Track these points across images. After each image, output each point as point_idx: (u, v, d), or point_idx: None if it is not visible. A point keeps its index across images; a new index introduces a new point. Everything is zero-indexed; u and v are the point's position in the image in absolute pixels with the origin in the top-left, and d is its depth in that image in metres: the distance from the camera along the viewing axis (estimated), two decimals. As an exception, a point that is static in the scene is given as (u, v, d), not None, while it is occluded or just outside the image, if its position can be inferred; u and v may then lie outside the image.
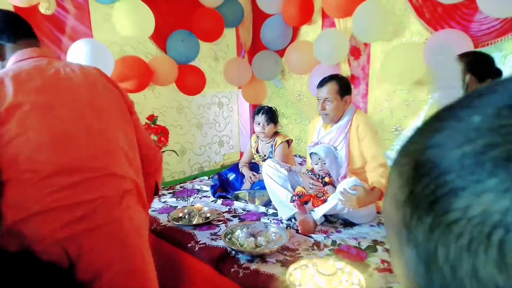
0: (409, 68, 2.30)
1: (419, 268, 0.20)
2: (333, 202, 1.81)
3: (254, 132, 2.72)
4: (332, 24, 2.85)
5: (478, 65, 1.56)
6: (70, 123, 0.99)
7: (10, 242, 0.83)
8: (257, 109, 2.59)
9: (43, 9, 2.05)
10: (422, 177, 0.20)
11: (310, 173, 2.05)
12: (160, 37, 2.70)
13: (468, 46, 2.07)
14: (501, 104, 0.18)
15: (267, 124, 2.51)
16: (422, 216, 0.19)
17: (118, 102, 1.15)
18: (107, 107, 1.10)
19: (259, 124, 2.52)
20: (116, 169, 1.02)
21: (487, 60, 1.62)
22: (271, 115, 2.53)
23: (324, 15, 2.91)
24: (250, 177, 2.55)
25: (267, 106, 2.62)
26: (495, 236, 0.16)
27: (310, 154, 2.07)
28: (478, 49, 2.07)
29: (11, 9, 2.02)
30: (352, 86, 2.87)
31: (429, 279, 0.20)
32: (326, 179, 2.00)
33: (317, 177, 2.02)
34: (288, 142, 2.57)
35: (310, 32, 3.05)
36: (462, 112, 0.20)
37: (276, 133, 2.60)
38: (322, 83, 2.02)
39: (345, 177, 1.98)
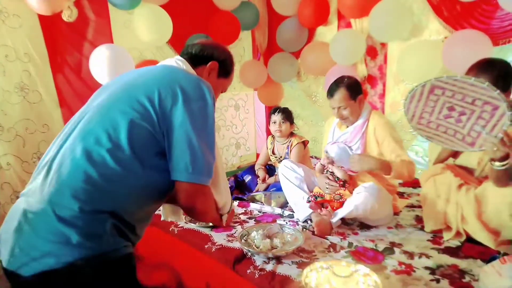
0: (426, 66, 2.27)
1: None
2: (349, 207, 1.80)
3: (270, 134, 2.73)
4: (348, 25, 2.84)
5: (507, 75, 1.45)
6: None
7: None
8: (273, 109, 2.63)
9: (66, 17, 2.13)
10: None
11: (326, 172, 2.04)
12: (177, 42, 2.75)
13: (487, 47, 2.02)
14: None
15: (283, 123, 2.53)
16: None
17: None
18: None
19: (275, 122, 2.55)
20: None
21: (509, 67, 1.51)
22: (287, 114, 2.55)
23: (340, 16, 2.90)
24: (261, 180, 2.58)
25: (282, 106, 2.64)
26: None
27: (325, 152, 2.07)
28: (498, 47, 2.02)
29: (36, 17, 2.11)
30: (369, 86, 2.85)
31: None
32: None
33: (333, 175, 2.01)
34: (304, 143, 2.57)
35: (326, 33, 3.04)
36: None
37: (292, 134, 2.61)
38: (331, 93, 1.97)
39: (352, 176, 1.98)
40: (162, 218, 1.43)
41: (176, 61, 1.21)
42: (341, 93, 1.94)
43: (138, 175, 1.00)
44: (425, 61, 2.27)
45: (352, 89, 1.96)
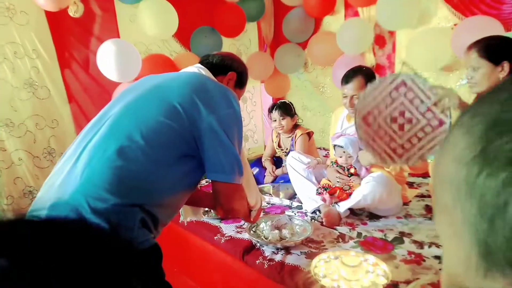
0: (436, 54, 2.23)
1: (481, 223, 0.21)
2: (357, 197, 1.79)
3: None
4: (356, 14, 2.80)
5: (492, 47, 1.46)
6: None
7: None
8: (270, 107, 2.57)
9: (72, 12, 2.14)
10: (502, 134, 0.20)
11: (335, 166, 2.03)
12: (183, 35, 2.74)
13: (499, 33, 1.97)
14: None
15: (283, 119, 2.48)
16: (496, 171, 0.20)
17: None
18: None
19: (275, 120, 2.50)
20: None
21: (502, 40, 1.51)
22: (284, 109, 2.49)
23: (346, 5, 2.86)
24: (270, 172, 2.57)
25: (280, 101, 2.58)
26: None
27: (334, 146, 2.05)
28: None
29: (43, 13, 2.12)
30: (378, 76, 2.82)
31: (492, 234, 0.20)
32: (352, 170, 1.98)
33: (343, 169, 2.00)
34: (309, 134, 2.54)
35: (332, 22, 3.00)
36: None
37: (296, 126, 2.57)
38: (347, 79, 1.93)
39: (367, 170, 1.96)
40: (181, 220, 1.47)
41: (199, 69, 1.25)
42: (358, 81, 1.90)
43: (168, 172, 1.05)
44: (434, 49, 2.23)
45: (369, 79, 1.91)
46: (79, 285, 0.30)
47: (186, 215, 1.47)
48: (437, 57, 2.22)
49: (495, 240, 0.20)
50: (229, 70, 1.32)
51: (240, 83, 1.38)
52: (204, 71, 1.25)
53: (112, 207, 0.94)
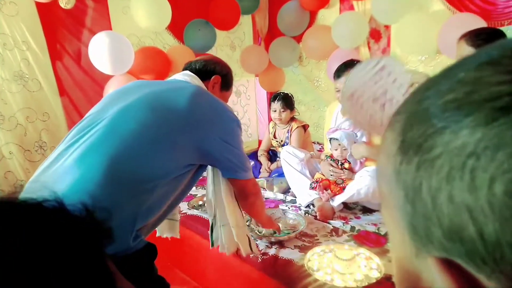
0: (425, 38, 2.23)
1: (406, 207, 0.23)
2: (351, 191, 1.80)
3: (272, 119, 2.73)
4: (351, 7, 2.78)
5: (482, 37, 1.46)
6: None
7: None
8: (273, 96, 2.61)
9: (63, 3, 2.10)
10: (413, 125, 0.23)
11: (329, 160, 2.04)
12: (177, 28, 2.71)
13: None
14: (480, 61, 0.21)
15: (283, 111, 2.51)
16: (411, 158, 0.22)
17: None
18: None
19: (275, 111, 2.53)
20: None
21: (492, 30, 1.52)
22: (287, 101, 2.53)
23: (342, -2, 2.84)
24: (266, 169, 2.58)
25: (282, 93, 2.61)
26: (468, 163, 0.19)
27: (330, 140, 2.05)
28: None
29: (33, 4, 2.08)
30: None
31: (415, 214, 0.23)
32: (346, 165, 1.98)
33: (337, 163, 2.00)
34: (304, 127, 2.56)
35: (327, 16, 2.98)
36: (450, 71, 0.23)
37: (292, 119, 2.60)
38: (339, 74, 1.91)
39: (362, 164, 1.96)
40: (157, 235, 1.48)
41: (192, 79, 1.26)
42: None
43: (167, 178, 1.05)
44: (424, 33, 2.24)
45: None
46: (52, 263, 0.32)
47: (162, 231, 1.48)
48: (426, 40, 2.23)
49: (417, 220, 0.23)
50: (213, 74, 1.32)
51: (226, 85, 1.40)
52: (196, 79, 1.26)
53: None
